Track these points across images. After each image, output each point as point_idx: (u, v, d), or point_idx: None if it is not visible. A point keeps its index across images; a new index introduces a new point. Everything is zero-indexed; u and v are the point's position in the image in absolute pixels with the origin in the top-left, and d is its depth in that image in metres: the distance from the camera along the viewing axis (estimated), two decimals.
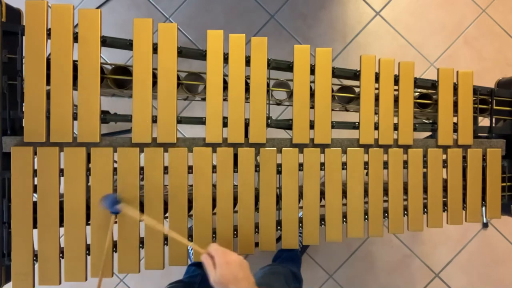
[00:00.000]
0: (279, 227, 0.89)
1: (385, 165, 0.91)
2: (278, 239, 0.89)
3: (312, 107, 0.89)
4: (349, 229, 0.91)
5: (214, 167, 0.86)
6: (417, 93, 0.99)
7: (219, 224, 0.87)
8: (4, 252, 0.84)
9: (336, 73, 0.93)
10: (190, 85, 0.94)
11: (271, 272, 1.03)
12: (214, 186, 0.87)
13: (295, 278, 1.13)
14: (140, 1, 1.66)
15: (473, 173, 0.95)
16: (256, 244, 0.88)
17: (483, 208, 0.97)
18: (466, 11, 1.71)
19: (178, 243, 0.85)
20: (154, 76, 0.85)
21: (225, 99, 0.87)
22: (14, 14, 0.86)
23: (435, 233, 1.67)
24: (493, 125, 1.02)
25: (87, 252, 0.83)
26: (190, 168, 0.86)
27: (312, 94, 0.89)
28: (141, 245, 0.84)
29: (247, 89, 0.87)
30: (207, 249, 0.69)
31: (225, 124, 0.86)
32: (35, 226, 0.83)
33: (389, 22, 1.70)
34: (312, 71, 0.89)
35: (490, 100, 1.00)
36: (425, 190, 0.94)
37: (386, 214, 0.92)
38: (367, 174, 0.91)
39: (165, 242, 0.85)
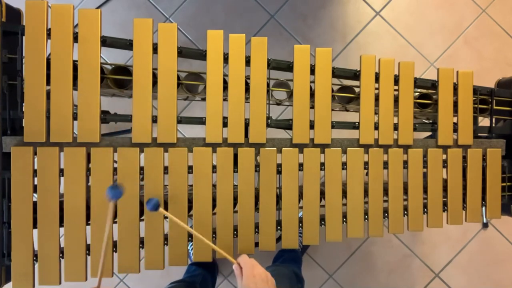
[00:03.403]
0: (279, 227, 0.89)
1: (385, 165, 0.91)
2: (278, 239, 0.89)
3: (312, 107, 0.89)
4: (349, 229, 0.91)
5: (214, 167, 0.86)
6: (417, 93, 0.99)
7: (219, 224, 0.87)
8: (4, 252, 0.84)
9: (336, 73, 0.93)
10: (190, 85, 0.94)
11: (275, 274, 1.03)
12: (214, 186, 0.87)
13: (298, 279, 1.14)
14: (140, 1, 1.66)
15: (473, 173, 0.95)
16: (256, 244, 0.88)
17: (483, 208, 0.97)
18: (466, 11, 1.71)
19: (178, 243, 0.85)
20: (154, 76, 0.85)
21: (225, 99, 0.87)
22: (14, 14, 0.86)
23: (435, 233, 1.67)
24: (493, 125, 1.02)
25: (87, 252, 0.83)
26: (190, 168, 0.86)
27: (312, 94, 0.89)
28: (141, 245, 0.84)
29: (247, 89, 0.87)
30: (237, 259, 0.73)
31: (225, 124, 0.86)
32: (35, 226, 0.83)
33: (389, 22, 1.70)
34: (312, 71, 0.89)
35: (490, 100, 1.00)
36: (425, 190, 0.94)
37: (386, 214, 0.92)
38: (367, 174, 0.91)
39: (165, 242, 0.85)
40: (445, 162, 0.94)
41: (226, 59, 0.86)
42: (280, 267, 1.15)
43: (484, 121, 1.06)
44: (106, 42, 0.86)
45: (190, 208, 0.87)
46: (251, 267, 0.70)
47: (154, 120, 0.84)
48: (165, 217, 0.86)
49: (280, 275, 1.04)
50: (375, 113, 0.91)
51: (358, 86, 0.91)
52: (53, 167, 0.82)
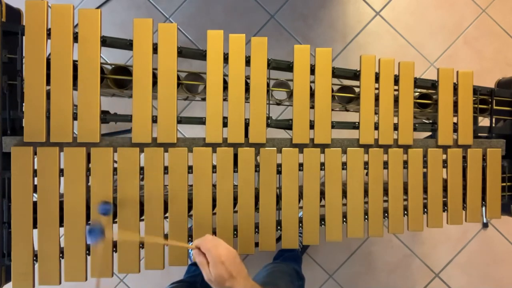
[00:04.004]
0: (279, 227, 0.89)
1: (385, 165, 0.91)
2: (278, 239, 0.89)
3: (312, 107, 0.89)
4: (349, 229, 0.91)
5: (214, 167, 0.86)
6: (417, 93, 0.99)
7: (219, 224, 0.87)
8: (4, 252, 0.84)
9: (336, 73, 0.93)
10: (190, 85, 0.94)
11: (276, 270, 1.03)
12: (214, 186, 0.87)
13: (299, 276, 1.14)
14: (140, 1, 1.66)
15: (473, 173, 0.95)
16: (256, 244, 0.88)
17: (483, 208, 0.97)
18: (466, 11, 1.71)
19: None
20: (154, 76, 0.85)
21: (225, 99, 0.87)
22: (14, 14, 0.86)
23: (435, 233, 1.67)
24: (493, 125, 1.02)
25: (87, 252, 0.83)
26: (190, 168, 0.86)
27: (312, 94, 0.89)
28: (141, 245, 0.84)
29: (247, 89, 0.87)
30: (196, 243, 0.65)
31: (225, 124, 0.86)
32: (35, 226, 0.83)
33: (389, 22, 1.70)
34: (312, 71, 0.89)
35: (490, 100, 1.00)
36: (425, 190, 0.94)
37: (386, 214, 0.92)
38: (367, 174, 0.91)
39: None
40: (445, 162, 0.94)
41: (226, 59, 0.86)
42: (281, 264, 1.15)
43: (484, 121, 1.06)
44: (106, 42, 0.85)
45: (190, 208, 0.87)
46: (216, 252, 0.62)
47: (154, 120, 0.84)
48: (166, 217, 0.86)
49: (281, 271, 1.04)
50: (375, 113, 0.91)
51: (358, 86, 0.91)
52: (53, 167, 0.82)
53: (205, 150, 0.85)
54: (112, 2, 1.65)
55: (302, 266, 1.46)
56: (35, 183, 0.83)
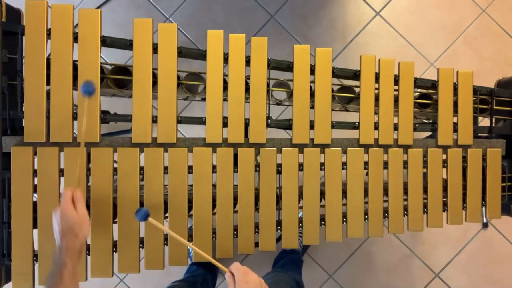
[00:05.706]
0: (279, 227, 0.89)
1: (385, 165, 0.91)
2: (278, 239, 0.89)
3: (312, 107, 0.89)
4: (349, 229, 0.91)
5: (214, 167, 0.86)
6: (417, 93, 0.99)
7: (219, 224, 0.87)
8: (4, 252, 0.84)
9: (336, 73, 0.93)
10: (190, 85, 0.94)
11: (276, 280, 1.04)
12: (214, 186, 0.87)
13: (299, 286, 1.14)
14: (140, 1, 1.66)
15: (473, 173, 0.95)
16: (256, 244, 0.88)
17: (483, 208, 0.97)
18: (466, 11, 1.71)
19: (178, 243, 0.85)
20: (154, 76, 0.85)
21: (225, 99, 0.87)
22: (14, 14, 0.86)
23: (435, 233, 1.66)
24: (493, 125, 1.02)
25: (87, 252, 0.83)
26: (190, 168, 0.86)
27: (312, 94, 0.89)
28: (141, 245, 0.84)
29: (247, 89, 0.87)
30: (230, 267, 0.72)
31: (225, 124, 0.86)
32: (35, 226, 0.83)
33: (389, 22, 1.70)
34: (312, 71, 0.89)
35: (490, 100, 1.00)
36: (425, 190, 0.94)
37: (386, 214, 0.92)
38: (367, 174, 0.91)
39: (165, 242, 0.85)
40: (445, 162, 0.94)
41: (226, 59, 0.86)
42: (281, 273, 1.15)
43: (484, 121, 1.06)
44: (106, 42, 0.85)
45: (190, 208, 0.87)
46: (244, 273, 0.69)
47: (154, 120, 0.84)
48: (166, 217, 0.86)
49: (281, 281, 1.04)
50: (375, 113, 0.91)
51: (358, 86, 0.91)
52: (53, 167, 0.82)
53: (205, 150, 0.85)
54: (112, 2, 1.65)
55: (302, 267, 1.46)
56: (35, 183, 0.83)
